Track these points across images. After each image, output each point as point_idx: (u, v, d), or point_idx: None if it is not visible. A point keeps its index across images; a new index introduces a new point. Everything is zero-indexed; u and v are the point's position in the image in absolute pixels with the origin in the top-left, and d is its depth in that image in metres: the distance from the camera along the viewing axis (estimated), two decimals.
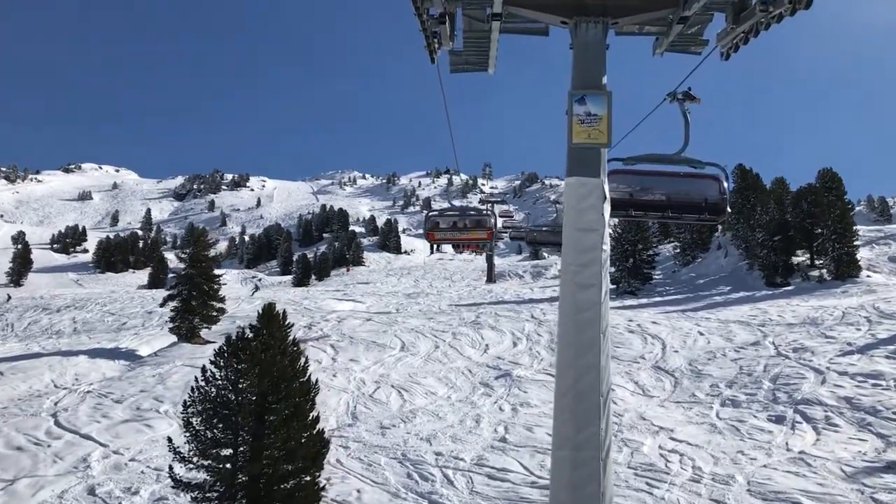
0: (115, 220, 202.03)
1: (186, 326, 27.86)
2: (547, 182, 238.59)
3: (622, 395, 21.56)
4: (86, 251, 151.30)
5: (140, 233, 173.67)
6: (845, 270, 39.10)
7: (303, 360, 12.66)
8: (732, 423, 18.42)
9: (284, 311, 13.17)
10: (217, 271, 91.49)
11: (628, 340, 28.41)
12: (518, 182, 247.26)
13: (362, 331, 30.12)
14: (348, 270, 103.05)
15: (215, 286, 29.16)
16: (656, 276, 51.69)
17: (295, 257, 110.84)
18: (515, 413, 19.96)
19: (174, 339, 28.45)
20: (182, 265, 28.97)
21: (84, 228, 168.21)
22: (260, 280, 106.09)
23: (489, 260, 66.52)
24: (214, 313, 28.89)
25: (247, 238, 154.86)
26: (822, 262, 41.23)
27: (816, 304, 33.74)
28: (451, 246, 24.01)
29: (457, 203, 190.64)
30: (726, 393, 21.06)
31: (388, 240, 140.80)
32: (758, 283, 42.53)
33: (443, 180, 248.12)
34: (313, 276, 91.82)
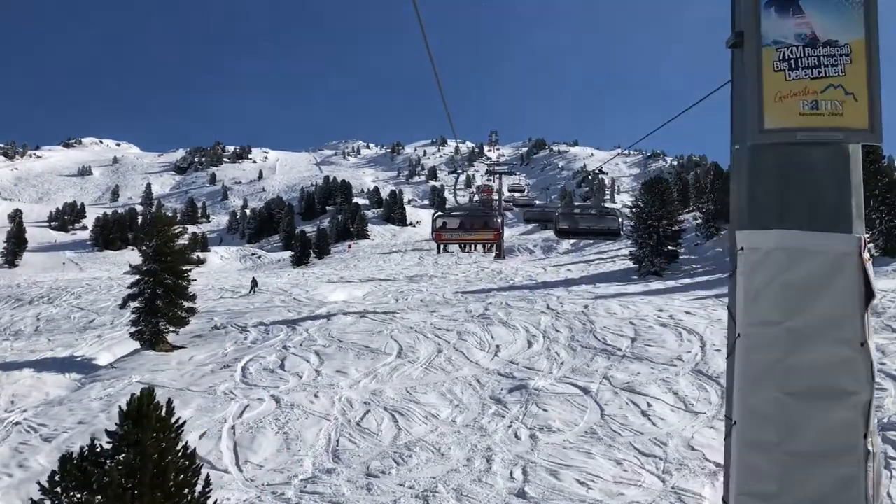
0: (115, 195, 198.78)
1: (150, 331, 24.07)
2: (555, 148, 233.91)
3: (662, 412, 17.73)
4: (84, 228, 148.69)
5: (140, 208, 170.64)
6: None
7: (199, 484, 7.75)
8: None
9: (170, 402, 8.54)
10: (215, 248, 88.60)
11: (660, 337, 24.54)
12: (525, 149, 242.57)
13: (354, 331, 26.30)
14: (349, 248, 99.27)
15: (184, 283, 25.27)
16: (676, 249, 47.69)
17: (298, 231, 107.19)
18: (535, 443, 16.15)
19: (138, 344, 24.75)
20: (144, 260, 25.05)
21: (83, 205, 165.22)
22: (259, 257, 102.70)
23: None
24: (184, 314, 25.06)
25: (248, 212, 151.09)
26: (868, 236, 37.14)
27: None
28: (457, 246, 22.28)
29: (461, 174, 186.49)
30: None
31: (393, 211, 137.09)
32: None
33: (448, 148, 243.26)
34: (313, 255, 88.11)
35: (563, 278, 44.77)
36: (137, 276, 24.86)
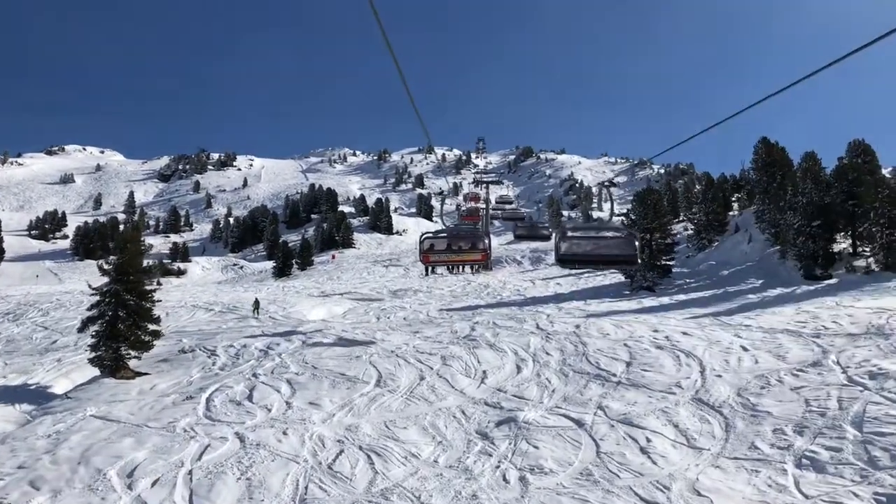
0: (98, 203, 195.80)
1: (110, 356, 22.30)
2: (542, 156, 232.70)
3: (662, 448, 16.23)
4: (65, 237, 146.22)
5: (123, 216, 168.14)
6: None
7: None
8: None
9: None
10: (196, 258, 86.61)
11: (657, 360, 23.09)
12: (513, 157, 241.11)
13: (330, 356, 24.64)
14: (333, 258, 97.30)
15: (148, 304, 23.53)
16: (669, 263, 46.29)
17: (281, 240, 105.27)
18: (525, 488, 14.59)
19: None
20: (106, 279, 23.25)
21: (63, 213, 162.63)
22: (241, 268, 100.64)
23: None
24: (147, 338, 23.30)
25: (232, 221, 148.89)
26: (868, 249, 35.79)
27: (875, 306, 28.50)
28: (445, 268, 21.40)
29: (451, 179, 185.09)
30: (798, 444, 15.75)
31: (379, 220, 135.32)
32: (794, 275, 37.17)
33: (436, 156, 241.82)
34: (295, 266, 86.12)
35: (553, 293, 43.28)
36: (98, 297, 23.07)
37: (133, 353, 23.02)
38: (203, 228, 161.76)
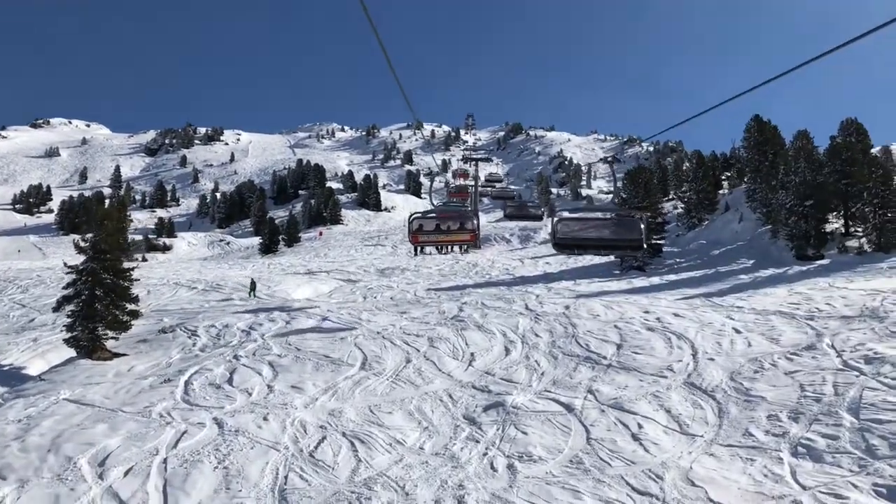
0: (83, 177, 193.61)
1: (87, 337, 21.62)
2: (532, 133, 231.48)
3: (654, 434, 15.76)
4: (51, 211, 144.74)
5: (109, 191, 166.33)
6: (890, 240, 33.31)
7: None
8: (824, 498, 12.75)
9: None
10: (182, 234, 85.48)
11: (648, 343, 22.63)
12: (502, 133, 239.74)
13: (315, 338, 24.05)
14: (320, 235, 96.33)
15: (126, 283, 22.82)
16: (660, 242, 45.75)
17: (269, 216, 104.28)
18: (514, 477, 14.08)
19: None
20: (82, 256, 22.51)
21: (48, 187, 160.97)
22: (228, 244, 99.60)
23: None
24: (125, 318, 22.62)
25: (219, 196, 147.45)
26: (861, 230, 35.37)
27: (868, 287, 28.14)
28: (434, 247, 21.55)
29: (440, 156, 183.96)
30: (794, 431, 15.30)
31: (368, 196, 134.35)
32: (785, 255, 36.77)
33: (425, 132, 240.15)
34: (282, 243, 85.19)
35: (542, 272, 42.72)
36: (74, 276, 22.34)
37: (110, 333, 22.36)
38: (190, 203, 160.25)
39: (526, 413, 16.95)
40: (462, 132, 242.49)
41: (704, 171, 54.60)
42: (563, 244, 14.86)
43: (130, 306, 23.04)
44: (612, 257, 44.33)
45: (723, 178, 60.37)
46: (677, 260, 42.40)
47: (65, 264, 22.61)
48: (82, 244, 22.36)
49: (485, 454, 14.81)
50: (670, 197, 61.82)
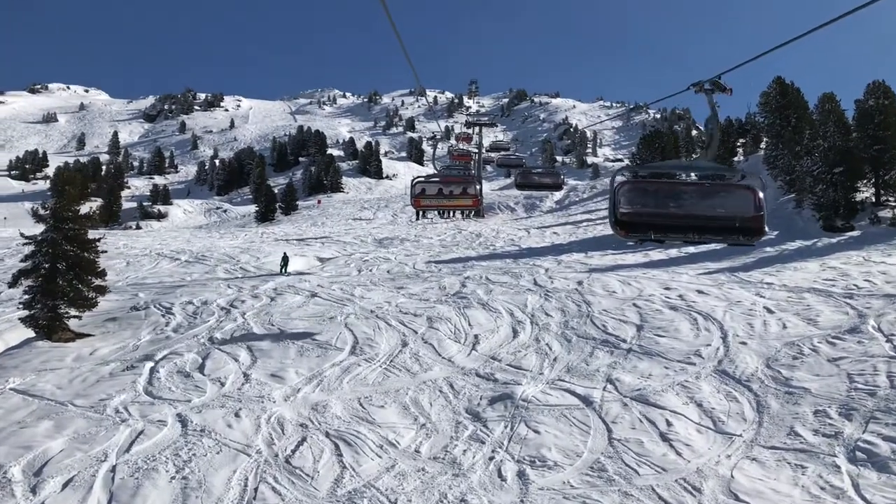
0: (81, 143, 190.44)
1: (46, 316, 19.34)
2: (536, 100, 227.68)
3: (686, 433, 13.65)
4: (47, 178, 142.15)
5: (107, 157, 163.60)
6: None
7: None
8: None
9: None
10: (178, 201, 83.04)
11: (671, 323, 20.40)
12: (506, 100, 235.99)
13: (301, 316, 21.78)
14: (319, 203, 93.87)
15: (91, 256, 20.50)
16: None
17: (269, 183, 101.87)
18: (525, 488, 11.97)
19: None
20: (42, 226, 20.14)
21: (45, 153, 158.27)
22: (225, 211, 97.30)
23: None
24: (91, 294, 20.33)
25: (217, 163, 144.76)
26: (894, 199, 32.94)
27: None
28: (436, 212, 21.19)
29: (443, 123, 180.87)
30: (848, 431, 13.17)
31: (369, 164, 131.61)
32: (812, 226, 34.38)
33: (427, 98, 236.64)
34: (279, 211, 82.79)
35: (550, 244, 40.31)
36: (32, 248, 20.01)
37: (73, 311, 20.06)
38: (189, 170, 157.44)
39: (538, 407, 14.78)
40: (465, 99, 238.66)
41: (723, 136, 51.95)
42: (633, 226, 8.83)
43: (97, 281, 20.77)
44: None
45: (737, 144, 57.80)
46: None
47: (21, 234, 20.26)
48: (41, 212, 19.97)
49: (491, 458, 12.69)
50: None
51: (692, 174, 8.72)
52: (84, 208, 21.13)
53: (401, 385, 15.99)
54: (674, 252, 32.61)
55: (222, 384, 15.79)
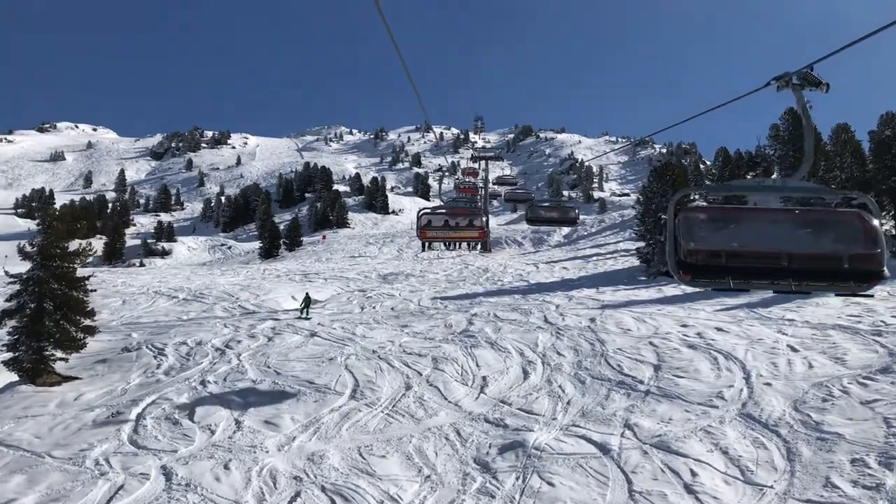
0: (88, 181, 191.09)
1: (30, 358, 18.32)
2: (542, 135, 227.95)
3: (712, 484, 12.55)
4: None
5: (113, 195, 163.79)
6: None
7: None
8: None
9: None
10: (183, 238, 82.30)
11: (691, 363, 19.23)
12: (511, 135, 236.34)
13: (299, 357, 20.70)
14: (324, 238, 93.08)
15: (80, 294, 19.54)
16: None
17: (274, 219, 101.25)
18: None
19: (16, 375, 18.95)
20: (28, 263, 19.20)
21: (51, 191, 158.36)
22: (230, 248, 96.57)
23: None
24: (80, 335, 19.32)
25: (223, 199, 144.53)
26: None
27: None
28: (443, 244, 20.68)
29: (449, 158, 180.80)
30: (891, 482, 12.00)
31: (375, 199, 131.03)
32: None
33: (434, 134, 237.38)
34: (283, 247, 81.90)
35: (560, 279, 39.21)
36: (18, 287, 19.05)
37: (60, 353, 19.04)
38: (195, 207, 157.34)
39: (551, 456, 13.65)
40: (471, 134, 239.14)
41: (731, 169, 51.10)
42: (702, 269, 6.70)
43: (86, 321, 19.76)
44: (636, 260, 40.78)
45: (748, 176, 56.96)
46: None
47: (6, 273, 19.31)
48: (28, 249, 19.05)
49: None
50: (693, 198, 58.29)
51: (779, 197, 6.40)
52: (73, 244, 20.11)
53: (404, 432, 14.89)
54: (689, 288, 31.52)
55: (212, 432, 14.71)
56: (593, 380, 18.17)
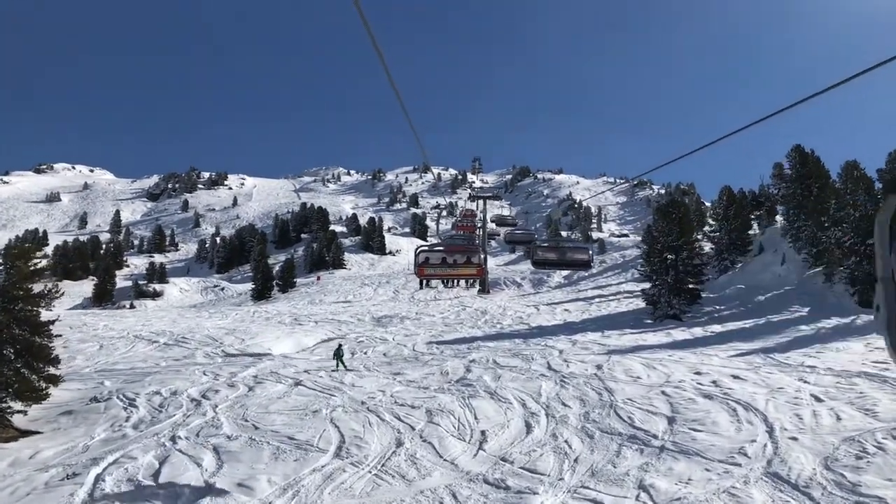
0: (83, 222, 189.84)
1: None
2: (540, 176, 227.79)
3: None
4: (46, 257, 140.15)
5: (108, 236, 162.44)
6: None
7: None
8: None
9: None
10: (175, 279, 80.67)
11: (708, 415, 17.63)
12: (510, 176, 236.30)
13: (280, 410, 19.01)
14: (318, 280, 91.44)
15: (43, 340, 17.94)
16: (699, 289, 40.22)
17: (270, 261, 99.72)
18: None
19: None
20: None
21: (45, 232, 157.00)
22: (223, 289, 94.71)
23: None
24: (42, 384, 17.69)
25: (219, 240, 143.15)
26: None
27: None
28: (441, 282, 20.26)
29: (447, 199, 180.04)
30: None
31: (372, 239, 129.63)
32: (846, 301, 31.75)
33: (431, 175, 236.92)
34: (276, 288, 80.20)
35: (562, 321, 37.68)
36: None
37: (19, 405, 17.38)
38: (189, 248, 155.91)
39: None
40: (469, 175, 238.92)
41: (736, 208, 49.82)
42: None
43: (50, 369, 18.12)
44: (642, 303, 39.08)
45: (752, 217, 55.67)
46: (717, 307, 37.31)
47: None
48: None
49: None
50: (697, 237, 56.89)
51: None
52: (38, 286, 18.56)
53: (393, 496, 13.21)
54: (698, 331, 29.98)
55: (177, 497, 13.01)
56: (602, 434, 16.55)
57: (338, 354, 26.16)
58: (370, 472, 14.36)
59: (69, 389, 20.79)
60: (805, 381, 20.05)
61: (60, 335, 19.60)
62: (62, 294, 19.61)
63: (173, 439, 16.26)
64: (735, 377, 20.94)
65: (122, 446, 15.92)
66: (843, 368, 21.13)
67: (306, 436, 16.35)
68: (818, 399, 18.29)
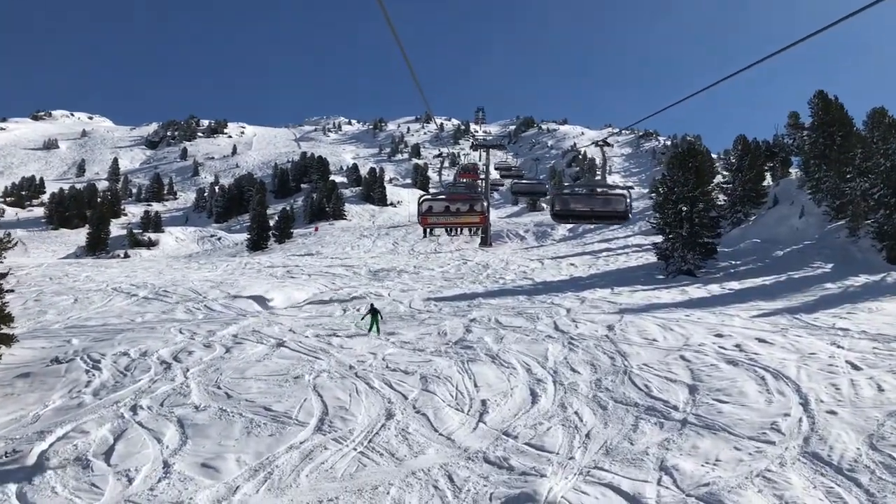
0: (81, 170, 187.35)
1: None
2: (544, 126, 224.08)
3: None
4: (42, 204, 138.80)
5: (106, 184, 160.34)
6: None
7: None
8: None
9: None
10: (171, 229, 78.83)
11: (733, 383, 15.86)
12: (513, 127, 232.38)
13: (258, 374, 17.22)
14: (315, 230, 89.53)
15: None
16: (715, 243, 37.89)
17: (269, 210, 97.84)
18: None
19: None
20: None
21: (42, 180, 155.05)
22: (219, 239, 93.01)
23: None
24: None
25: (217, 189, 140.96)
26: None
27: None
28: (444, 230, 19.35)
29: (445, 150, 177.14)
30: None
31: (373, 190, 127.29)
32: (873, 257, 29.90)
33: (433, 125, 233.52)
34: (272, 239, 78.35)
35: (568, 276, 35.81)
36: None
37: None
38: (188, 197, 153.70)
39: None
40: (472, 125, 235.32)
41: (751, 158, 47.55)
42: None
43: (3, 328, 16.25)
44: (653, 257, 37.05)
45: (765, 167, 53.43)
46: (732, 262, 35.39)
47: None
48: None
49: None
50: (711, 187, 54.85)
51: None
52: None
53: (381, 478, 11.43)
54: (715, 288, 28.07)
55: (130, 480, 11.23)
56: (616, 404, 14.78)
57: (373, 315, 22.89)
58: (355, 449, 12.58)
59: (33, 348, 19.08)
60: (839, 346, 18.27)
61: (13, 290, 17.74)
62: (15, 244, 17.67)
63: (134, 409, 14.44)
64: (761, 340, 19.13)
65: (76, 417, 14.13)
66: (879, 332, 19.32)
67: (284, 406, 14.53)
68: (855, 367, 16.53)
